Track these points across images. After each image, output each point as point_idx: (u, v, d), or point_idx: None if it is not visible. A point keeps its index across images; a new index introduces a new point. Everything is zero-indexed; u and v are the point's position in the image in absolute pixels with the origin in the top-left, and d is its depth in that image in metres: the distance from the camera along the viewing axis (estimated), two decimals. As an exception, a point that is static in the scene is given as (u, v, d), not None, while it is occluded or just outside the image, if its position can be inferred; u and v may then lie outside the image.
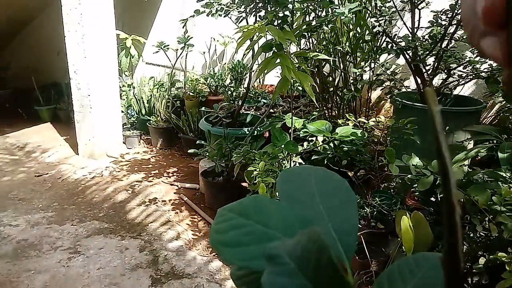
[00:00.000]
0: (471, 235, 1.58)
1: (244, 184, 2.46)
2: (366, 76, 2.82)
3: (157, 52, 3.73)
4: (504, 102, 2.64)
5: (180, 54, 3.77)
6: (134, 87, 4.07)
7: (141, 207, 2.64)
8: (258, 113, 3.30)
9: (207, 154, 2.53)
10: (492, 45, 0.24)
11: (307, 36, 2.35)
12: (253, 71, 2.97)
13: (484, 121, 2.80)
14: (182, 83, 4.02)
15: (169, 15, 4.34)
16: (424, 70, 2.47)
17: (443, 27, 2.38)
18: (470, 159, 1.91)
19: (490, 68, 2.32)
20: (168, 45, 3.70)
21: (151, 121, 3.76)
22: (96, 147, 3.44)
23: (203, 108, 2.97)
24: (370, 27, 2.49)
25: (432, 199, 1.71)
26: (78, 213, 2.56)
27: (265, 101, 3.47)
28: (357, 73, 2.57)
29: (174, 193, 2.85)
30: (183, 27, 2.54)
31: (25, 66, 4.97)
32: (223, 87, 3.70)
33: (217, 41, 4.09)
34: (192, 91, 3.77)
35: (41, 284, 1.90)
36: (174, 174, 3.17)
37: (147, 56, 4.36)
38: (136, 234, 2.33)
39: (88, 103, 3.34)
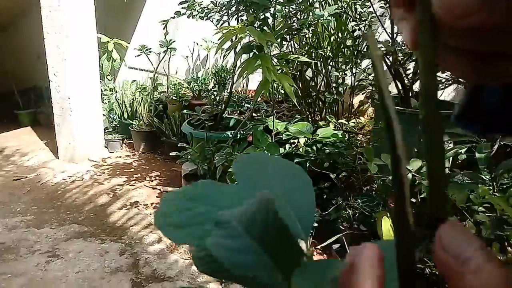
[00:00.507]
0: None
1: (226, 187, 2.45)
2: (348, 81, 2.86)
3: (139, 55, 3.71)
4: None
5: (163, 58, 3.75)
6: (116, 91, 4.03)
7: (122, 210, 2.61)
8: (242, 117, 3.30)
9: (189, 157, 2.51)
10: (404, 29, 0.23)
11: (288, 39, 2.37)
12: (236, 75, 2.97)
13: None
14: (165, 87, 4.00)
15: (152, 19, 4.33)
16: (404, 75, 2.51)
17: (422, 32, 2.43)
18: (450, 162, 1.94)
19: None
20: (150, 49, 3.68)
21: (133, 125, 3.73)
22: (77, 151, 3.38)
23: (185, 111, 2.95)
24: (351, 32, 2.52)
25: (413, 200, 1.73)
26: (57, 217, 2.50)
27: (248, 105, 3.48)
28: (339, 77, 2.60)
29: (157, 196, 2.81)
30: (163, 29, 2.53)
31: (4, 70, 4.87)
32: (206, 91, 3.70)
33: (200, 45, 4.09)
34: (175, 95, 3.76)
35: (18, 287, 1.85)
36: (157, 178, 3.14)
37: (129, 60, 4.33)
38: (117, 238, 2.29)
39: (68, 106, 3.29)
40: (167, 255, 2.13)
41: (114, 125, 3.91)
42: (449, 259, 0.20)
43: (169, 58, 3.90)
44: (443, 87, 2.61)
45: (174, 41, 3.58)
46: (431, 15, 0.21)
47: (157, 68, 3.83)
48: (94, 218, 2.51)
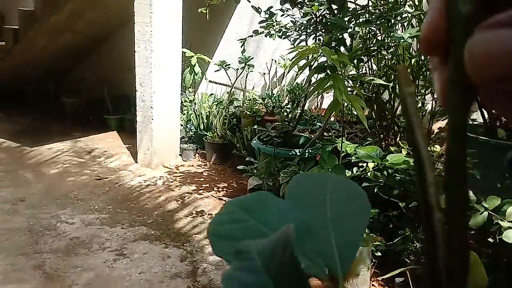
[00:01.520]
0: None
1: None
2: (428, 106, 2.70)
3: (219, 70, 3.86)
4: None
5: (241, 73, 3.86)
6: (195, 103, 4.23)
7: (188, 218, 2.70)
8: (312, 136, 3.27)
9: (255, 171, 2.54)
10: (435, 82, 0.21)
11: (364, 60, 2.31)
12: (308, 93, 2.96)
13: None
14: (241, 102, 4.11)
15: (234, 36, 4.49)
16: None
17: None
18: None
19: None
20: (229, 64, 3.82)
21: (207, 136, 3.87)
22: (154, 157, 3.59)
23: (255, 126, 3.00)
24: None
25: (490, 239, 1.57)
26: (129, 218, 2.66)
27: (320, 124, 3.44)
28: (418, 101, 2.46)
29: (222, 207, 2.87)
30: (241, 47, 2.61)
31: (99, 78, 5.36)
32: (280, 108, 3.72)
33: (278, 63, 4.15)
34: (249, 110, 3.84)
35: (85, 281, 1.98)
36: (224, 189, 3.21)
37: (210, 74, 4.53)
38: (180, 244, 2.37)
39: (150, 114, 3.52)
40: (225, 267, 2.15)
41: (190, 135, 4.10)
42: None
43: (247, 74, 4.00)
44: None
45: (253, 58, 3.68)
46: (463, 73, 0.19)
47: (234, 83, 3.96)
48: (162, 222, 2.63)
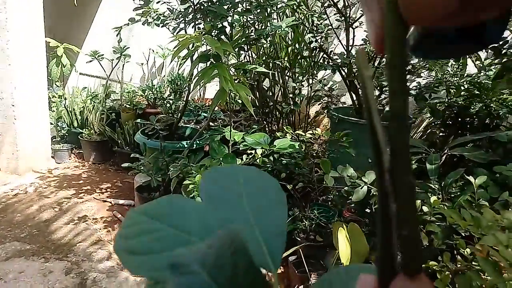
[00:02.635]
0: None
1: (181, 199, 2.37)
2: (304, 92, 2.88)
3: (91, 61, 3.55)
4: (432, 118, 2.80)
5: (116, 64, 3.62)
6: (65, 98, 3.84)
7: (69, 225, 2.45)
8: (198, 127, 3.24)
9: (142, 168, 2.41)
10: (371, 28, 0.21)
11: (246, 48, 2.35)
12: (192, 84, 2.91)
13: (414, 136, 2.95)
14: (118, 95, 3.86)
15: (105, 24, 4.18)
16: (358, 87, 2.56)
17: (376, 45, 2.49)
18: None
19: (418, 86, 2.45)
20: (103, 55, 3.54)
21: (83, 134, 3.55)
22: (20, 162, 3.17)
23: (139, 120, 2.85)
24: (308, 43, 2.54)
25: (367, 210, 1.74)
26: (-5, 234, 2.31)
27: (205, 114, 3.42)
28: (296, 88, 2.61)
29: (107, 210, 2.68)
30: (117, 35, 2.44)
31: None
32: (162, 99, 3.60)
33: (156, 52, 4.00)
34: (129, 103, 3.63)
35: None
36: (108, 190, 2.99)
37: (80, 66, 4.15)
38: (62, 256, 2.15)
39: (12, 113, 3.08)
40: (117, 273, 2.02)
41: (62, 134, 3.72)
42: None
43: (123, 65, 3.77)
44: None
45: (128, 47, 3.47)
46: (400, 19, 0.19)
47: (110, 75, 3.69)
48: (38, 234, 2.34)
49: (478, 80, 2.20)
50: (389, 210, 0.20)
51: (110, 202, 2.77)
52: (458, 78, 2.38)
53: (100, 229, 2.44)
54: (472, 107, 2.19)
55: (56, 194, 2.87)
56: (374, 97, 0.19)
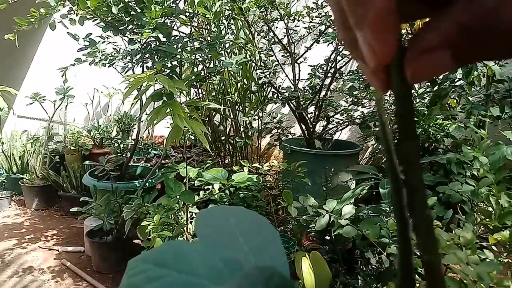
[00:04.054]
0: (364, 268, 1.67)
1: (137, 241, 2.29)
2: (255, 125, 2.94)
3: (32, 103, 3.40)
4: (376, 144, 2.96)
5: (59, 106, 3.49)
6: (3, 143, 3.62)
7: (14, 279, 2.26)
8: (149, 165, 3.17)
9: (93, 211, 2.31)
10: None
11: (197, 86, 2.38)
12: (142, 122, 2.87)
13: (361, 162, 3.09)
14: (62, 137, 3.70)
15: (45, 64, 4.05)
16: (307, 118, 2.66)
17: (320, 79, 2.63)
18: (354, 197, 2.07)
19: (362, 115, 2.60)
20: (44, 96, 3.41)
21: (24, 180, 3.35)
22: (-48, 214, 2.91)
23: (87, 162, 2.74)
24: (256, 79, 2.63)
25: (327, 237, 1.78)
26: None
27: (155, 152, 3.36)
28: (248, 122, 2.66)
29: (54, 259, 2.51)
30: (62, 76, 2.37)
31: None
32: (109, 139, 3.50)
33: (101, 92, 3.92)
34: (74, 144, 3.49)
35: None
36: (54, 237, 2.81)
37: (19, 108, 3.95)
38: (6, 314, 1.97)
39: None
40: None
41: (0, 181, 3.47)
42: None
43: (66, 105, 3.64)
44: (341, 128, 2.83)
45: (72, 88, 3.37)
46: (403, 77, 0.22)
47: (52, 116, 3.54)
48: (-23, 293, 2.14)
49: (416, 108, 2.38)
50: (408, 240, 0.22)
51: (57, 250, 2.60)
52: (397, 107, 2.55)
53: (48, 280, 2.27)
54: (412, 133, 2.35)
55: (-5, 247, 2.65)
56: (392, 140, 0.22)
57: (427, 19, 0.22)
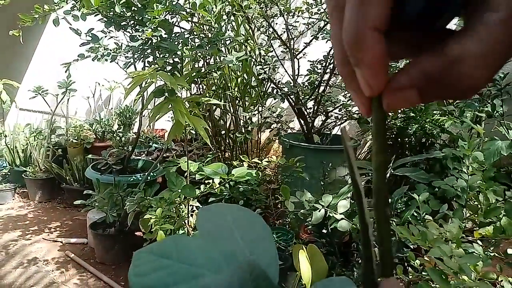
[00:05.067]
0: (360, 261, 1.72)
1: (138, 233, 2.34)
2: (255, 119, 2.98)
3: (34, 97, 3.44)
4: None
5: (61, 99, 3.53)
6: (6, 136, 3.66)
7: (19, 269, 2.32)
8: (150, 158, 3.22)
9: (97, 204, 2.36)
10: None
11: (198, 81, 2.42)
12: (143, 116, 2.91)
13: (359, 156, 3.13)
14: (64, 130, 3.75)
15: (47, 58, 4.08)
16: (306, 113, 2.70)
17: (319, 74, 2.67)
18: (350, 192, 2.12)
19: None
20: (47, 90, 3.45)
21: (27, 172, 3.40)
22: (-42, 206, 2.97)
23: (90, 156, 2.79)
24: (256, 74, 2.66)
25: (324, 231, 1.84)
26: None
27: (156, 145, 3.41)
28: (247, 117, 2.70)
29: (58, 250, 2.57)
30: (66, 71, 2.41)
31: None
32: (111, 132, 3.54)
33: (102, 85, 3.95)
34: (76, 138, 3.54)
35: None
36: (57, 229, 2.87)
37: (21, 101, 3.99)
38: (12, 304, 2.03)
39: None
40: (75, 316, 1.94)
41: (3, 173, 3.52)
42: None
43: (68, 99, 3.68)
44: (339, 123, 2.87)
45: (74, 81, 3.41)
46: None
47: (55, 110, 3.58)
48: (-17, 282, 2.20)
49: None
50: (369, 235, 0.27)
51: (61, 242, 2.66)
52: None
53: (52, 270, 2.33)
54: (409, 128, 2.39)
55: (1, 237, 2.70)
56: (355, 160, 0.27)
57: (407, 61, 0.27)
